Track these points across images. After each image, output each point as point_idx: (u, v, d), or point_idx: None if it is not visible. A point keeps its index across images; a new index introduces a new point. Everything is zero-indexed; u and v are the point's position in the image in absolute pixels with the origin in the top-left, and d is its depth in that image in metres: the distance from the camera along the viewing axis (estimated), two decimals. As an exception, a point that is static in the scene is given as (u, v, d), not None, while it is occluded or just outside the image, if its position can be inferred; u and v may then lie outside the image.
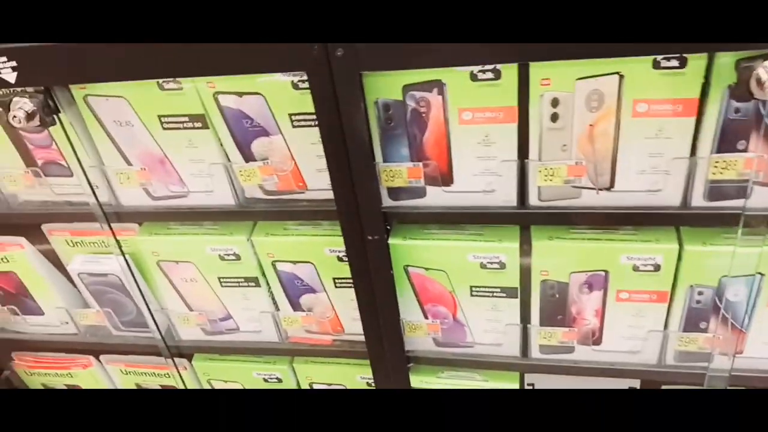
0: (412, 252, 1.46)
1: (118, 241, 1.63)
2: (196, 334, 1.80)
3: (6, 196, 1.65)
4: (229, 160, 1.46)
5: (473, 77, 1.21)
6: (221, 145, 1.45)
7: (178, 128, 1.42)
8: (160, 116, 1.41)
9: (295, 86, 1.30)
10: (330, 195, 1.41)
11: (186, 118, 1.40)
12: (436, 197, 1.39)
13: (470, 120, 1.27)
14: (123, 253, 1.65)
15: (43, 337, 1.92)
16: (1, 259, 1.75)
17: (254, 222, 1.60)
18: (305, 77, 1.27)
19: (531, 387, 1.73)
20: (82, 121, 1.47)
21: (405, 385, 1.65)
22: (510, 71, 1.20)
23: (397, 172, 1.35)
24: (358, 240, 1.41)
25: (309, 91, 1.24)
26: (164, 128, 1.43)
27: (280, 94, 1.33)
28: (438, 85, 1.24)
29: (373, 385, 1.77)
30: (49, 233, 1.72)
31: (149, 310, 1.74)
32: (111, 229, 1.59)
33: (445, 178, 1.36)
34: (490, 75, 1.21)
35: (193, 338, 1.81)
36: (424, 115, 1.28)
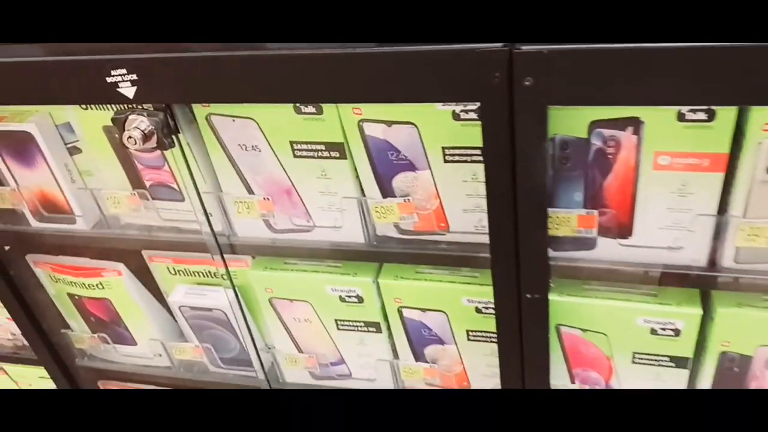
0: (570, 310, 1.25)
1: (230, 275, 1.43)
2: (302, 377, 1.60)
3: (107, 217, 1.47)
4: (363, 194, 1.25)
5: (680, 117, 0.99)
6: (357, 177, 1.23)
7: (312, 157, 1.22)
8: (292, 142, 1.22)
9: (456, 117, 1.10)
10: (475, 239, 1.23)
11: (322, 147, 1.20)
12: (608, 250, 1.17)
13: (667, 165, 1.05)
14: (234, 288, 1.44)
15: (134, 369, 1.73)
16: (97, 284, 1.57)
17: (380, 263, 1.38)
18: (469, 107, 1.06)
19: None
20: (201, 143, 1.27)
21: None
22: (726, 114, 0.97)
23: (564, 219, 1.14)
24: (512, 295, 1.19)
25: (473, 122, 1.07)
26: (296, 156, 1.23)
27: (436, 125, 1.13)
28: (634, 124, 1.03)
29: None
30: (150, 260, 1.54)
31: (256, 349, 1.53)
32: (224, 261, 1.39)
33: (622, 230, 1.15)
34: (702, 116, 0.98)
35: (299, 381, 1.61)
36: (610, 156, 1.07)
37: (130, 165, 1.38)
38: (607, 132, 1.05)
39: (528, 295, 1.17)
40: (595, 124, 1.04)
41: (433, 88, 1.00)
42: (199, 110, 1.23)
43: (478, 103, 1.02)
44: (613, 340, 1.28)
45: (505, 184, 1.06)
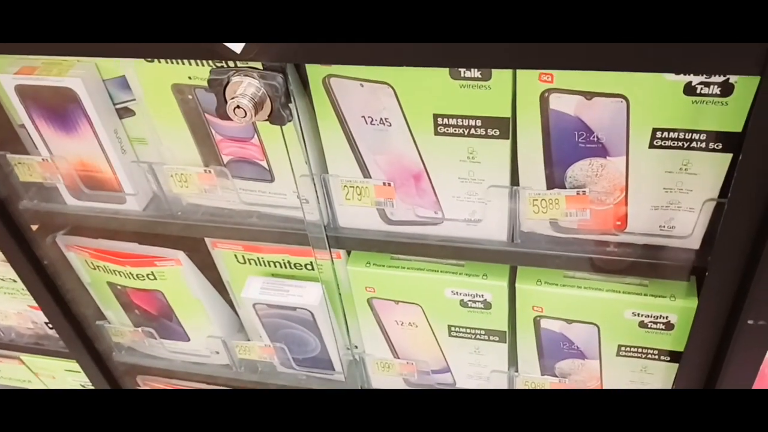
0: None
1: (334, 271, 1.08)
2: (394, 384, 1.26)
3: (168, 197, 1.08)
4: (517, 182, 0.89)
5: None
6: (514, 162, 0.87)
7: (460, 135, 0.86)
8: (437, 116, 0.85)
9: (692, 90, 0.73)
10: (654, 241, 0.92)
11: (479, 122, 0.84)
12: None
13: None
14: (338, 285, 1.09)
15: (183, 366, 1.37)
16: (148, 275, 1.20)
17: (514, 265, 1.03)
18: (713, 79, 0.70)
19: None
20: (311, 111, 0.89)
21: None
22: None
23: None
24: (723, 319, 0.85)
25: (712, 99, 0.74)
26: (438, 133, 0.87)
27: (655, 101, 0.77)
28: None
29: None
30: (214, 245, 1.17)
31: (350, 351, 1.19)
32: (331, 255, 1.03)
33: None
34: None
35: (388, 387, 1.26)
36: None
37: (204, 134, 1.00)
38: None
39: (751, 321, 0.83)
40: None
41: (702, 55, 0.64)
42: (316, 70, 0.85)
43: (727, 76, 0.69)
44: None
45: (764, 180, 0.71)
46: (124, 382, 1.47)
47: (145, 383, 1.49)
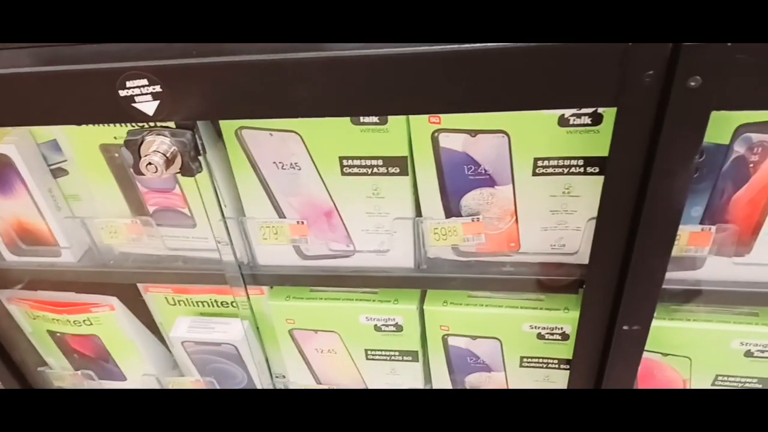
0: (654, 335, 0.93)
1: (251, 305, 1.06)
2: (318, 409, 1.22)
3: (100, 248, 1.06)
4: (419, 214, 0.90)
5: None
6: (415, 195, 0.88)
7: (364, 174, 0.87)
8: (342, 158, 0.85)
9: (565, 122, 0.75)
10: (546, 259, 0.94)
11: (380, 162, 0.85)
12: (717, 270, 0.87)
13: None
14: (255, 319, 1.08)
15: (122, 405, 1.31)
16: (84, 321, 1.17)
17: (422, 289, 1.03)
18: (583, 111, 0.73)
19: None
20: (226, 161, 0.88)
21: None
22: None
23: (672, 237, 0.81)
24: (603, 327, 0.87)
25: (584, 128, 0.77)
26: (344, 173, 0.87)
27: (533, 133, 0.79)
28: (794, 127, 0.71)
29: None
30: (146, 290, 1.14)
31: (273, 381, 1.17)
32: (246, 291, 1.02)
33: (740, 247, 0.84)
34: None
35: (313, 413, 1.23)
36: (751, 165, 0.76)
37: (130, 188, 0.98)
38: (756, 137, 0.73)
39: (625, 327, 0.85)
40: (743, 128, 0.73)
41: (555, 91, 0.66)
42: (228, 124, 0.84)
43: (594, 108, 0.73)
44: (698, 363, 0.99)
45: (628, 199, 0.74)
46: (67, 425, 1.41)
47: (87, 424, 1.43)
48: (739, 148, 0.76)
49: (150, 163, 0.78)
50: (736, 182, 0.79)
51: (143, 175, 0.79)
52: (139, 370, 1.26)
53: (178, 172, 0.81)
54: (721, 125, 0.74)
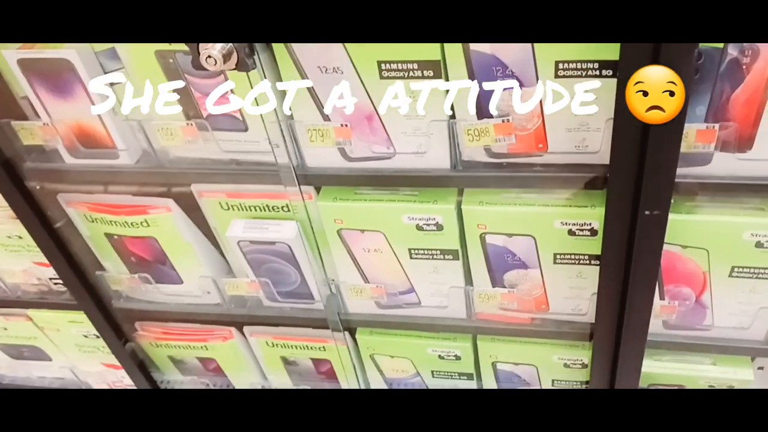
0: (671, 227, 1.14)
1: (305, 205, 1.31)
2: (367, 307, 1.50)
3: (156, 151, 1.31)
4: (454, 117, 1.13)
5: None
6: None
7: (402, 77, 1.09)
8: (380, 62, 1.09)
9: None
10: (575, 159, 1.15)
11: (415, 65, 1.07)
12: (724, 165, 1.09)
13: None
14: (310, 220, 1.33)
15: (178, 308, 1.61)
16: (142, 222, 1.43)
17: (460, 189, 1.27)
18: None
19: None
20: (274, 66, 1.12)
21: (635, 370, 1.35)
22: None
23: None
24: (626, 214, 1.09)
25: None
26: (382, 77, 1.10)
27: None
28: (780, 31, 0.91)
29: (570, 365, 1.48)
30: (200, 195, 1.40)
31: (327, 281, 1.43)
32: (300, 191, 1.27)
33: (742, 144, 1.06)
34: None
35: (362, 311, 1.51)
36: (744, 67, 0.97)
37: (185, 93, 1.22)
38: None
39: (647, 212, 1.07)
40: None
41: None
42: (276, 30, 1.07)
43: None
44: (715, 255, 1.20)
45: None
46: (125, 328, 1.71)
47: (143, 328, 1.72)
48: (732, 51, 0.96)
49: (210, 56, 1.01)
50: (732, 83, 0.99)
51: (204, 69, 1.02)
52: (196, 272, 1.53)
53: (234, 68, 1.05)
54: (719, 29, 0.94)
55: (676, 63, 0.89)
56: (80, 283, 1.55)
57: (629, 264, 1.16)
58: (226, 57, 1.02)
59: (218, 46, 1.01)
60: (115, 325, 1.67)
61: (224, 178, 1.32)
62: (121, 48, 1.20)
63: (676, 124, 0.96)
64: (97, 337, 1.70)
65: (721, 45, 0.96)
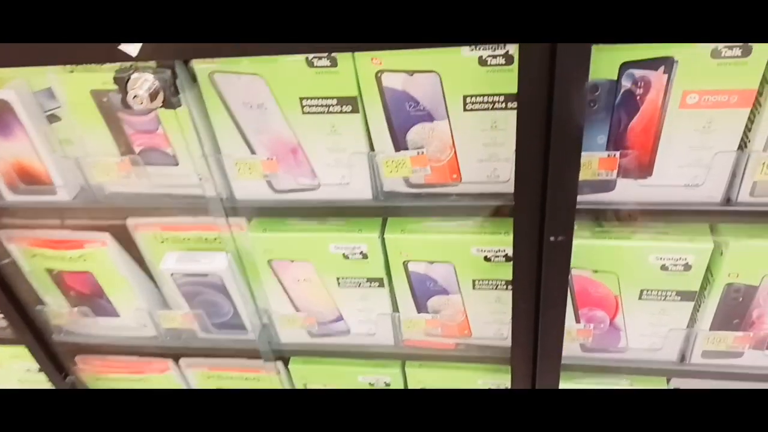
0: (582, 253, 1.24)
1: (233, 236, 1.38)
2: (299, 337, 1.56)
3: (92, 186, 1.38)
4: (373, 149, 1.22)
5: (715, 54, 0.99)
6: (368, 131, 1.20)
7: (322, 113, 1.18)
8: (302, 98, 1.17)
9: (483, 62, 1.07)
10: (487, 189, 1.24)
11: (334, 101, 1.16)
12: (626, 191, 1.18)
13: (695, 104, 1.06)
14: (239, 252, 1.40)
15: (116, 341, 1.66)
16: (79, 257, 1.49)
17: (384, 219, 1.35)
18: (498, 52, 1.04)
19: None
20: (201, 103, 1.20)
21: (551, 387, 1.43)
22: (762, 49, 0.98)
23: (585, 162, 1.13)
24: (533, 240, 1.18)
25: (500, 68, 1.07)
26: (304, 112, 1.19)
27: (459, 72, 1.10)
28: (667, 63, 1.03)
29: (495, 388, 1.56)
30: (136, 229, 1.46)
31: (259, 312, 1.50)
32: (228, 222, 1.34)
33: (642, 170, 1.15)
34: (737, 53, 0.98)
35: (294, 341, 1.57)
36: (638, 97, 1.07)
37: (119, 130, 1.30)
38: (638, 73, 1.04)
39: (552, 238, 1.16)
40: (627, 66, 1.04)
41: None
42: (201, 67, 1.16)
43: (506, 49, 1.04)
44: (623, 279, 1.29)
45: (538, 128, 1.04)
46: (66, 363, 1.75)
47: (84, 362, 1.77)
48: (626, 83, 1.06)
49: (136, 96, 1.09)
50: (629, 113, 1.09)
51: (131, 108, 1.10)
52: (132, 305, 1.59)
53: (161, 106, 1.13)
54: (609, 62, 1.04)
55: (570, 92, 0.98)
56: (21, 318, 1.59)
57: (539, 288, 1.25)
58: (153, 96, 1.10)
59: (145, 85, 1.09)
60: (55, 359, 1.71)
61: (158, 212, 1.38)
62: (58, 87, 1.27)
63: (573, 152, 1.05)
64: (39, 371, 1.73)
65: (614, 77, 1.05)
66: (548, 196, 1.11)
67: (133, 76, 1.11)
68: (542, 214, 1.14)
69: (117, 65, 1.13)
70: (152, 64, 1.12)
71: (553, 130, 1.03)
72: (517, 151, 1.07)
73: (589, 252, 1.26)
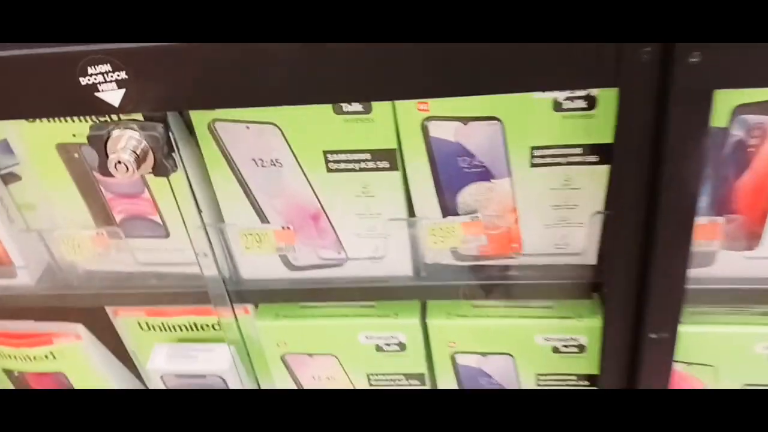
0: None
1: (239, 328, 1.12)
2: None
3: (63, 266, 1.13)
4: (413, 214, 0.97)
5: None
6: (407, 193, 0.95)
7: (352, 170, 0.94)
8: (326, 152, 0.92)
9: (558, 107, 0.82)
10: (552, 261, 1.01)
11: (368, 155, 0.92)
12: (729, 265, 0.94)
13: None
14: (246, 344, 1.15)
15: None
16: (46, 355, 1.23)
17: (422, 301, 1.10)
18: (577, 93, 0.80)
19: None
20: (199, 159, 0.95)
21: None
22: None
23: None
24: (628, 335, 0.93)
25: (579, 113, 0.83)
26: (330, 170, 0.94)
27: (528, 119, 0.86)
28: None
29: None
30: (115, 314, 1.21)
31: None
32: (233, 311, 1.09)
33: (751, 239, 0.90)
34: None
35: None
36: (751, 149, 0.83)
37: (93, 194, 1.05)
38: (753, 119, 0.80)
39: (653, 335, 0.91)
40: (741, 110, 0.80)
41: (555, 71, 0.72)
42: (200, 116, 0.91)
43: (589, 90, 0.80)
44: (724, 372, 1.04)
45: (637, 189, 0.80)
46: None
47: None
48: (737, 131, 0.82)
49: (119, 162, 0.84)
50: (738, 168, 0.86)
51: (111, 176, 0.85)
52: (110, 408, 1.32)
53: (151, 172, 0.88)
54: (719, 106, 0.80)
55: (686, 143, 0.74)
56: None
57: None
58: (140, 160, 0.85)
59: (129, 149, 0.84)
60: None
61: (142, 297, 1.13)
62: (16, 141, 1.02)
63: (685, 222, 0.80)
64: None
65: (724, 124, 0.81)
66: (651, 281, 0.87)
67: (114, 134, 0.85)
68: (638, 301, 0.90)
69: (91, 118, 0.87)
70: (138, 116, 0.85)
71: (662, 195, 0.79)
72: (612, 220, 0.85)
73: (682, 340, 1.01)
